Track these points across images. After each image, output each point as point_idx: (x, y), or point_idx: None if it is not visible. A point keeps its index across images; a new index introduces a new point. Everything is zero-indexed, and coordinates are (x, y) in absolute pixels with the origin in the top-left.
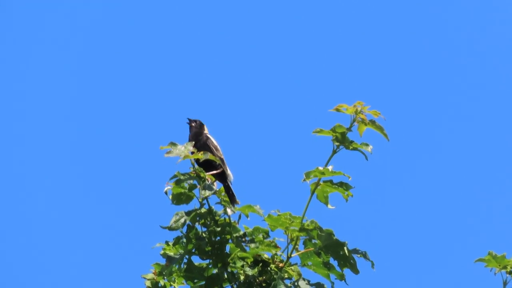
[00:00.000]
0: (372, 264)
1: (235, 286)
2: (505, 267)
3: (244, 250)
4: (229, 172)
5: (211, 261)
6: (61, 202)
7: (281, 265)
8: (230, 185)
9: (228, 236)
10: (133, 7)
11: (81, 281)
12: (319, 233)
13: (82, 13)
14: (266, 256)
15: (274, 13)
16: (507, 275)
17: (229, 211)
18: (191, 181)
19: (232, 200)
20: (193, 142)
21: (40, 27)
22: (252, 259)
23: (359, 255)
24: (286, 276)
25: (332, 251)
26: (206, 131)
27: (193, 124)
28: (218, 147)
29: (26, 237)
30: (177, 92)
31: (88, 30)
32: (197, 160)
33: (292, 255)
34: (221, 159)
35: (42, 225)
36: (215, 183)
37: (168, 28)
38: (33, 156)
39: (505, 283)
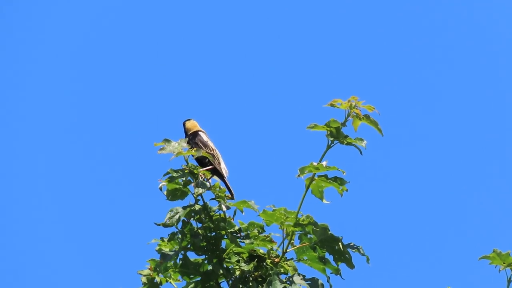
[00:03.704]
0: (367, 259)
1: (230, 282)
2: (509, 265)
3: (239, 246)
4: (222, 166)
5: (206, 256)
6: (57, 199)
7: (276, 260)
8: (226, 179)
9: (223, 232)
10: (130, 7)
11: (78, 277)
12: (314, 228)
13: (80, 13)
14: (261, 251)
15: (268, 9)
16: None
17: (223, 207)
18: (185, 178)
19: (230, 193)
20: (187, 139)
21: (39, 27)
22: (247, 254)
23: (354, 250)
24: (281, 271)
25: (327, 246)
26: (193, 128)
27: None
28: (208, 142)
29: (22, 235)
30: (173, 88)
31: (85, 30)
32: (194, 157)
33: (287, 250)
34: (212, 155)
35: (38, 223)
36: (210, 180)
37: (163, 27)
38: (31, 154)
39: (509, 281)
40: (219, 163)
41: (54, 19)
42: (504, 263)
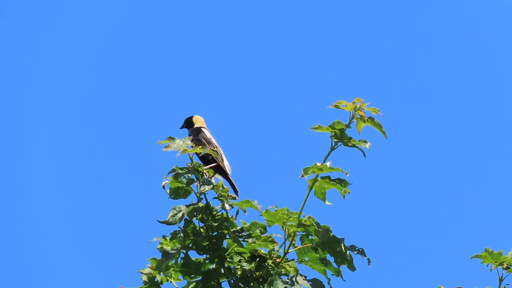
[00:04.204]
0: (369, 261)
1: (232, 281)
2: (501, 264)
3: (241, 245)
4: (225, 163)
5: (208, 256)
6: (60, 196)
7: (278, 260)
8: (230, 177)
9: (226, 231)
10: (131, 5)
11: (79, 275)
12: (316, 229)
13: (80, 13)
14: (263, 251)
15: (273, 10)
16: (503, 270)
17: (226, 206)
18: (189, 175)
19: (234, 190)
20: (191, 137)
21: (38, 27)
22: (249, 254)
23: (355, 252)
24: (283, 272)
25: (329, 248)
26: (200, 123)
27: (185, 126)
28: (212, 139)
29: (23, 233)
30: (177, 87)
31: (85, 29)
32: (198, 154)
33: (289, 251)
34: (216, 152)
35: (40, 220)
36: (213, 178)
37: (165, 26)
38: (35, 151)
39: (501, 280)
40: (222, 160)
41: (54, 19)
42: (495, 262)
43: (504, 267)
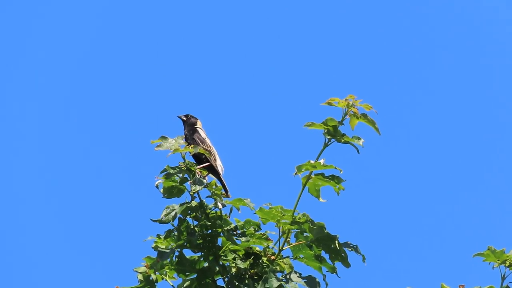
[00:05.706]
0: (363, 258)
1: (226, 279)
2: (504, 262)
3: (235, 243)
4: (218, 163)
5: (202, 254)
6: (53, 195)
7: (272, 258)
8: (222, 177)
9: (220, 229)
10: (129, 4)
11: (74, 275)
12: (311, 226)
13: (78, 11)
14: (257, 249)
15: (265, 7)
16: (506, 268)
17: (219, 204)
18: (182, 175)
19: (225, 190)
20: (184, 136)
21: (37, 25)
22: (243, 252)
23: (350, 249)
24: (277, 269)
25: (324, 244)
26: (199, 125)
27: (184, 119)
28: (206, 139)
29: (17, 233)
30: (170, 86)
31: (83, 27)
32: (191, 153)
33: (283, 248)
34: (209, 151)
35: (32, 220)
36: (206, 177)
37: (160, 25)
38: (28, 151)
39: (503, 278)
40: (215, 159)
41: (52, 17)
42: (498, 260)
43: (507, 265)
